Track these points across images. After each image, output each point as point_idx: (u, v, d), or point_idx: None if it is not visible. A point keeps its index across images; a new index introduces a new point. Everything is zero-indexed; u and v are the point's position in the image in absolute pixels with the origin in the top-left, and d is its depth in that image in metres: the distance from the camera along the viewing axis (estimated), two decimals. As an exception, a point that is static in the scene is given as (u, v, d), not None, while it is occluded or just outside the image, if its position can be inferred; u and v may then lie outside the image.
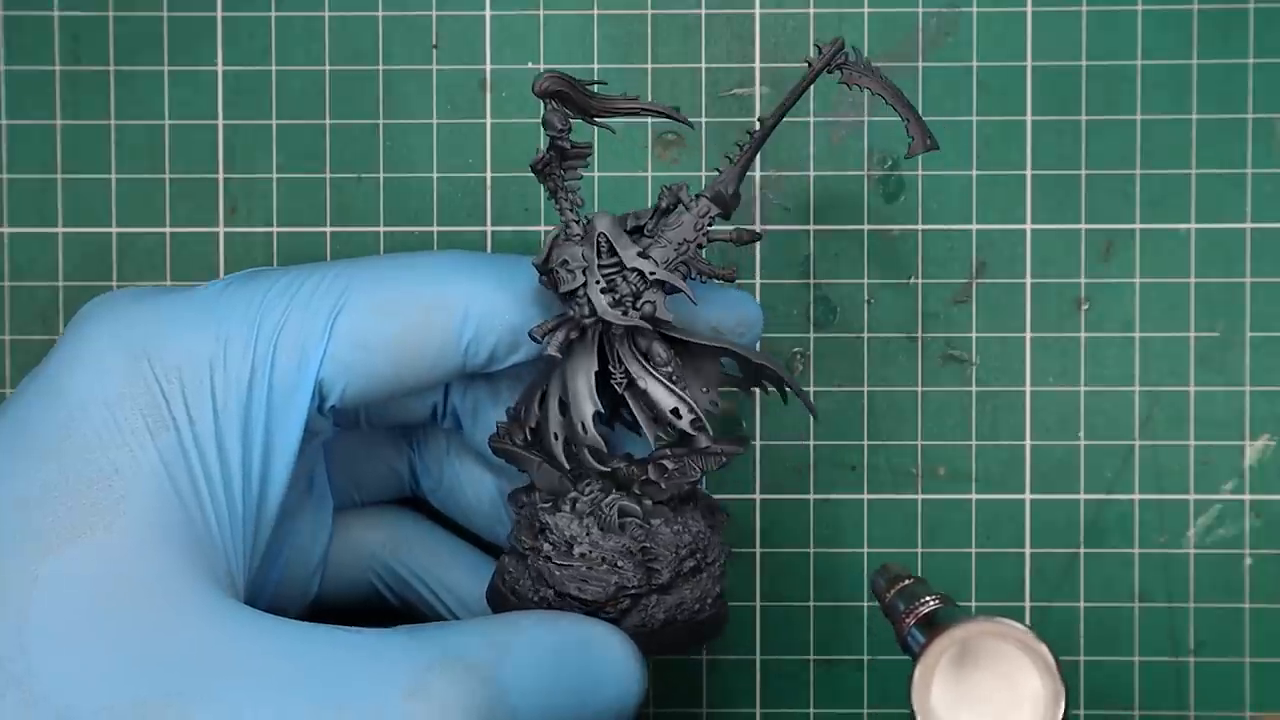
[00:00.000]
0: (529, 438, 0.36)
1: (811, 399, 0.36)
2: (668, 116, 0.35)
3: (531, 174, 0.35)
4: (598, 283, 0.34)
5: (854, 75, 0.36)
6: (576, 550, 0.35)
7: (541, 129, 0.34)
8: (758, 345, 0.38)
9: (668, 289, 0.35)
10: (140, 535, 0.32)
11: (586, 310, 0.34)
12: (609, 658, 0.34)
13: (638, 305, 0.34)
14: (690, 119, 0.42)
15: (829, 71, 0.36)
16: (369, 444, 0.40)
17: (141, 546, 0.32)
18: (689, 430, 0.35)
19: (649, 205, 0.36)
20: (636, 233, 0.35)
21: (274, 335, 0.34)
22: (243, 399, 0.33)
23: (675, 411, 0.35)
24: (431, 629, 0.33)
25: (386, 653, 0.32)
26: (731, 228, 0.36)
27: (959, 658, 0.31)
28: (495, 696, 0.31)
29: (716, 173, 0.36)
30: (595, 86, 0.34)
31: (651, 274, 0.34)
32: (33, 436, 0.33)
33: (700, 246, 0.35)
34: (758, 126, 0.36)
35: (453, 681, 0.31)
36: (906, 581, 0.35)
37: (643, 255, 0.35)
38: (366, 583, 0.40)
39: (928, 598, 0.34)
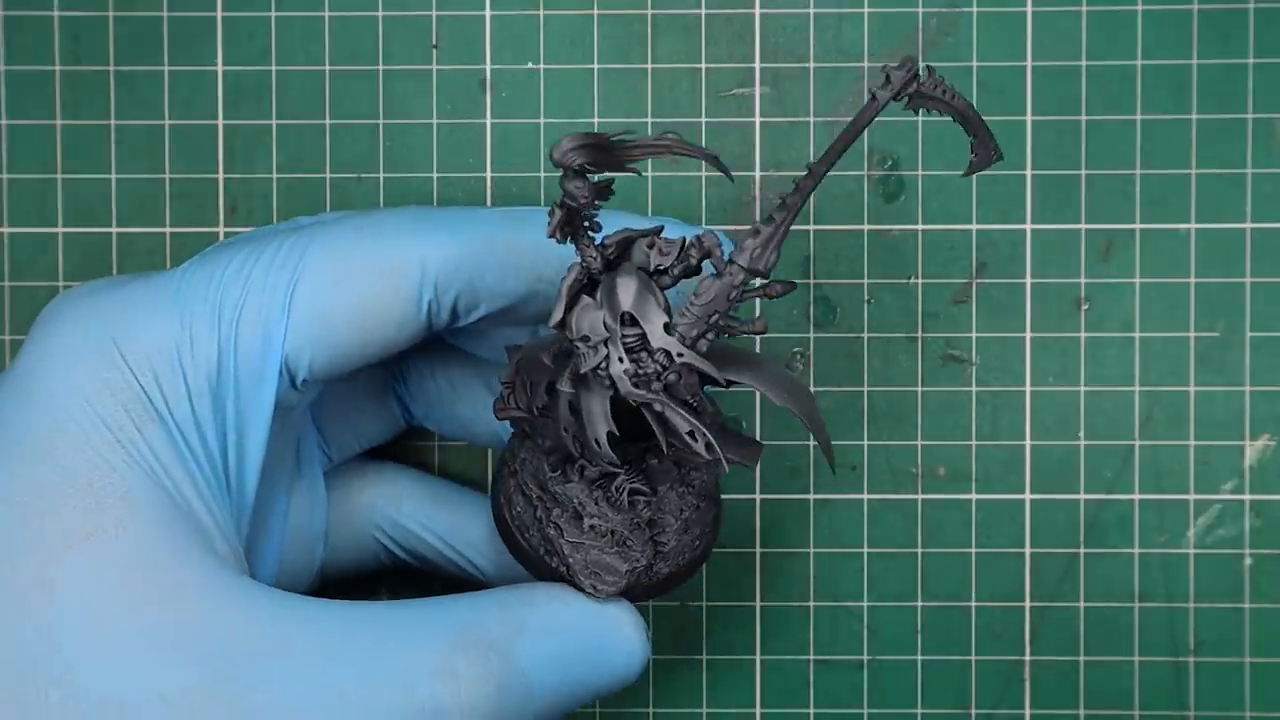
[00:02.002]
0: (535, 410, 0.35)
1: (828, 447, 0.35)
2: (705, 159, 0.32)
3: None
4: (620, 360, 0.33)
5: (921, 100, 0.31)
6: (586, 523, 0.35)
7: (557, 196, 0.31)
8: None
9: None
10: (151, 529, 0.32)
11: (606, 383, 0.33)
12: (618, 633, 0.35)
13: (661, 378, 0.33)
14: (691, 119, 0.42)
15: (896, 99, 0.32)
16: (354, 390, 0.40)
17: (154, 540, 0.32)
18: (703, 454, 0.34)
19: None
20: (659, 274, 0.33)
21: (235, 315, 0.34)
22: (212, 382, 0.33)
23: (691, 434, 0.34)
24: (450, 605, 0.34)
25: (411, 633, 0.32)
26: (761, 282, 0.33)
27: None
28: (513, 673, 0.33)
29: (753, 231, 0.33)
30: (622, 134, 0.31)
31: (679, 356, 0.33)
32: (14, 439, 0.33)
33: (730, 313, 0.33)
34: (798, 182, 0.32)
35: (473, 661, 0.32)
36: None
37: (669, 328, 0.33)
38: (373, 543, 0.40)
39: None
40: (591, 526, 0.35)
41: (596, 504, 0.35)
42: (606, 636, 0.35)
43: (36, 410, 0.33)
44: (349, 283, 0.34)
